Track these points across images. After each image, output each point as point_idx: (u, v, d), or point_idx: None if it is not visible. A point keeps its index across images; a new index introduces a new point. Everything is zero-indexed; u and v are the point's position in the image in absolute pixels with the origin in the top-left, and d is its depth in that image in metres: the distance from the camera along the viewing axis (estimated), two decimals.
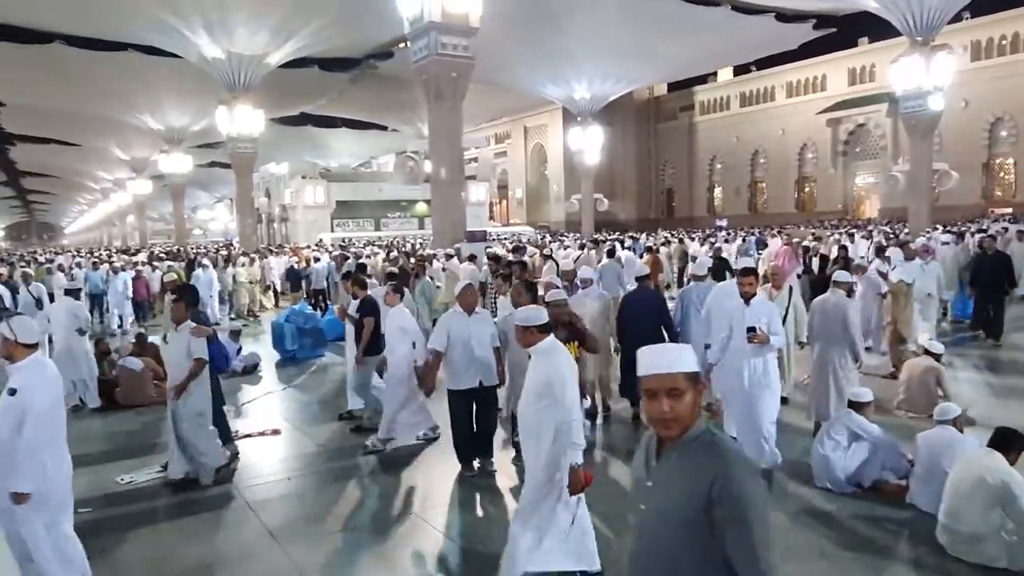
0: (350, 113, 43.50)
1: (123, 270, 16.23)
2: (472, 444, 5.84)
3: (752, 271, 5.73)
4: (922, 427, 5.43)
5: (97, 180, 62.68)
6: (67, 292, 9.14)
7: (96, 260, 19.52)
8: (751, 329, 5.29)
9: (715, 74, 52.99)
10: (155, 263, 19.27)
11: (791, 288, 7.61)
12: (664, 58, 32.87)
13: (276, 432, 7.55)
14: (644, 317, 6.74)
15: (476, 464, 5.88)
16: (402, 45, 28.82)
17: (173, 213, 45.11)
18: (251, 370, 10.38)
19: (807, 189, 51.07)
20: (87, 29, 26.69)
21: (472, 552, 4.64)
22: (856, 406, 5.27)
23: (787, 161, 51.04)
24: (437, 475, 6.01)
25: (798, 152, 50.42)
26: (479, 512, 5.34)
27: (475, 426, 5.81)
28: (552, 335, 4.00)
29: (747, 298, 5.50)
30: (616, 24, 28.02)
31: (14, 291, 12.89)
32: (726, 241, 21.17)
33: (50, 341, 9.01)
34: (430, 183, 20.93)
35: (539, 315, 3.98)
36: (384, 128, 46.36)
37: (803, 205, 50.73)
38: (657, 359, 1.85)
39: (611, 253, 13.30)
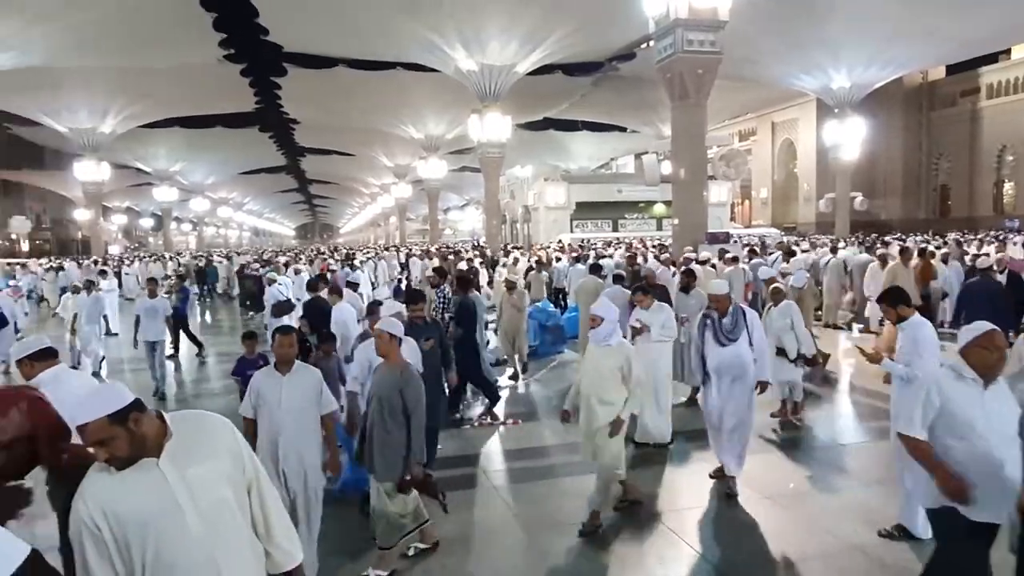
0: (591, 116, 44.27)
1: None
2: None
3: None
4: None
5: (367, 185, 70.48)
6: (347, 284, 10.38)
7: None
8: None
9: (1008, 52, 45.40)
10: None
11: None
12: (944, 36, 28.82)
13: (515, 422, 7.95)
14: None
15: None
16: (644, 46, 28.70)
17: (428, 214, 49.26)
18: (499, 363, 11.05)
19: None
20: (364, 53, 30.16)
21: (720, 565, 4.45)
22: None
23: None
24: (682, 476, 5.94)
25: None
26: (725, 518, 5.13)
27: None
28: None
29: None
30: (886, 1, 25.23)
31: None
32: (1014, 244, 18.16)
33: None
34: (671, 184, 20.53)
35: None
36: (624, 129, 46.50)
37: None
38: None
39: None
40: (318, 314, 8.05)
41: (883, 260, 13.25)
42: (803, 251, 18.68)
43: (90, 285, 12.52)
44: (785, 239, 28.43)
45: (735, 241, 20.49)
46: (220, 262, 30.35)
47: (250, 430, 4.17)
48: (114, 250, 55.48)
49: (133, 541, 2.07)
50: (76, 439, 2.14)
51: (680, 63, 18.56)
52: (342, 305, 8.16)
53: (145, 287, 11.43)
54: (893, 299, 4.75)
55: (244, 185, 73.18)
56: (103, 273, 21.02)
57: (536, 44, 27.24)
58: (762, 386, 5.74)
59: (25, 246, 71.66)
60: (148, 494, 2.09)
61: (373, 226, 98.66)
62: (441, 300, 8.96)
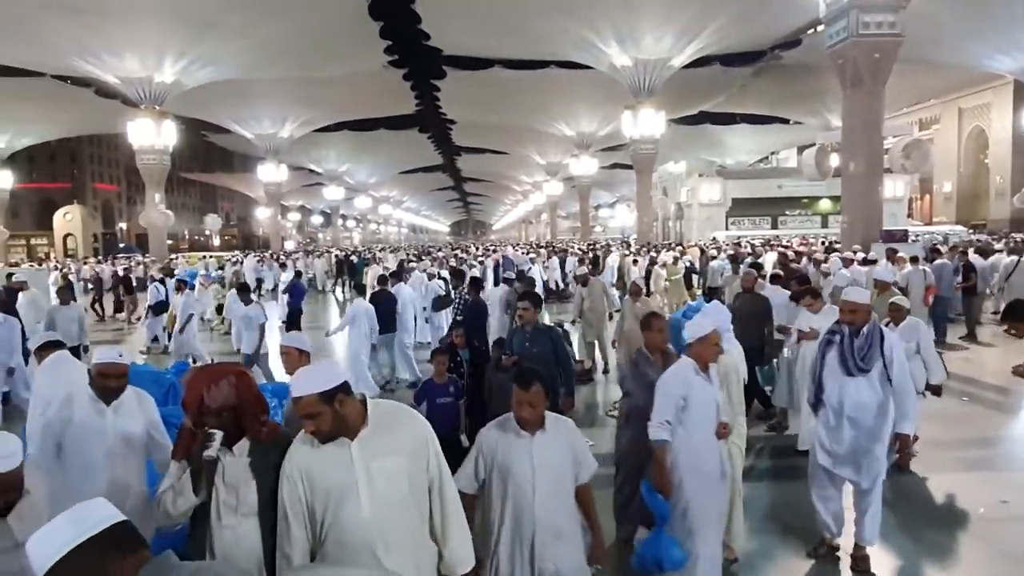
0: (750, 108, 42.24)
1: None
2: None
3: None
4: None
5: (519, 183, 71.76)
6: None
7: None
8: None
9: None
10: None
11: None
12: None
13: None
14: None
15: None
16: (812, 31, 27.01)
17: (579, 211, 49.36)
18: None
19: None
20: (519, 53, 30.71)
21: None
22: None
23: None
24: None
25: None
26: None
27: None
28: None
29: None
30: None
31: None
32: None
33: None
34: (840, 178, 19.18)
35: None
36: (786, 121, 43.98)
37: None
38: None
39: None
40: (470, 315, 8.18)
41: None
42: (996, 251, 16.76)
43: (182, 285, 12.68)
44: (974, 237, 25.68)
45: (914, 240, 18.78)
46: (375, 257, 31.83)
47: (470, 508, 2.98)
48: (289, 245, 60.36)
49: (318, 506, 2.31)
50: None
51: (854, 48, 17.33)
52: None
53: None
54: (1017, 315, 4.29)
55: (403, 184, 76.98)
56: (283, 266, 22.91)
57: (693, 36, 26.41)
58: (902, 441, 4.41)
59: (216, 241, 79.76)
60: (336, 469, 2.30)
61: (524, 223, 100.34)
62: (459, 302, 8.93)
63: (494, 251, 29.21)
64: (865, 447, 4.25)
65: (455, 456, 2.98)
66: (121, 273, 22.49)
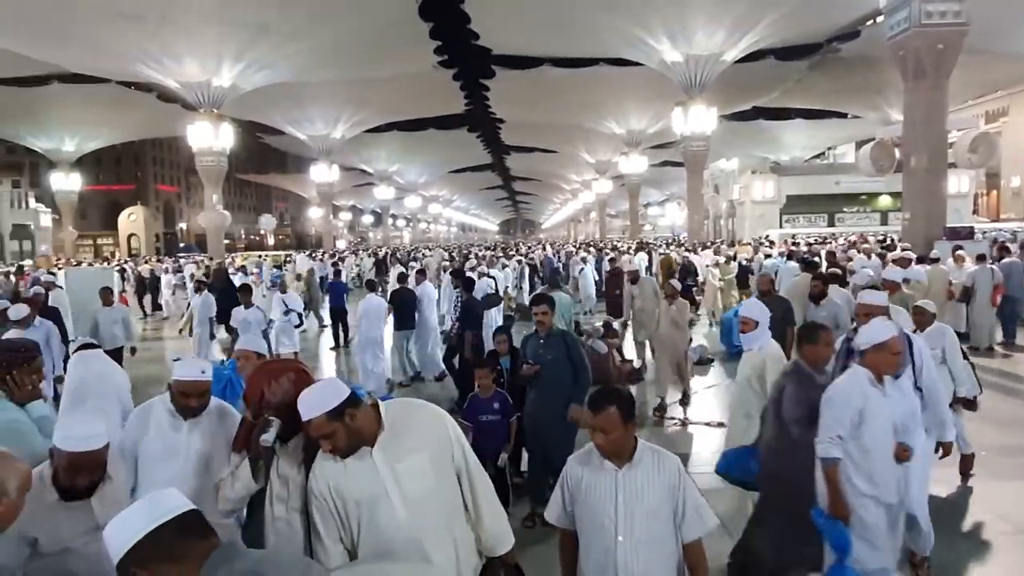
0: (805, 103, 41.20)
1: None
2: None
3: None
4: None
5: (568, 181, 71.55)
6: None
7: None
8: None
9: None
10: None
11: None
12: None
13: (721, 424, 7.65)
14: None
15: None
16: (871, 22, 26.19)
17: (628, 210, 48.94)
18: (706, 362, 10.70)
19: None
20: (569, 51, 30.59)
21: None
22: None
23: None
24: None
25: None
26: None
27: None
28: None
29: None
30: None
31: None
32: None
33: None
34: (901, 173, 18.54)
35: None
36: (844, 116, 42.76)
37: None
38: None
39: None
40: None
41: None
42: None
43: (200, 285, 12.93)
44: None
45: (981, 237, 18.03)
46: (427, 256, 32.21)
47: (568, 547, 2.78)
48: (340, 244, 61.47)
49: (351, 515, 2.33)
50: None
51: (916, 38, 16.74)
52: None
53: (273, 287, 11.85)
54: None
55: (452, 183, 77.56)
56: (336, 265, 23.32)
57: (746, 30, 25.88)
58: (945, 449, 4.25)
59: (270, 240, 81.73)
60: (362, 480, 2.31)
61: (573, 222, 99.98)
62: (458, 301, 9.30)
63: (518, 252, 28.82)
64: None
65: (495, 483, 2.78)
66: (147, 275, 23.16)
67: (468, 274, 11.73)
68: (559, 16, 25.96)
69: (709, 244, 27.31)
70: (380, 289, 11.28)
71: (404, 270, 14.27)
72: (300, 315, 10.92)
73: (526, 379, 5.13)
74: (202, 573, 1.56)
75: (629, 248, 27.82)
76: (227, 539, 1.75)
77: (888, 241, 21.11)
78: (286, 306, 10.63)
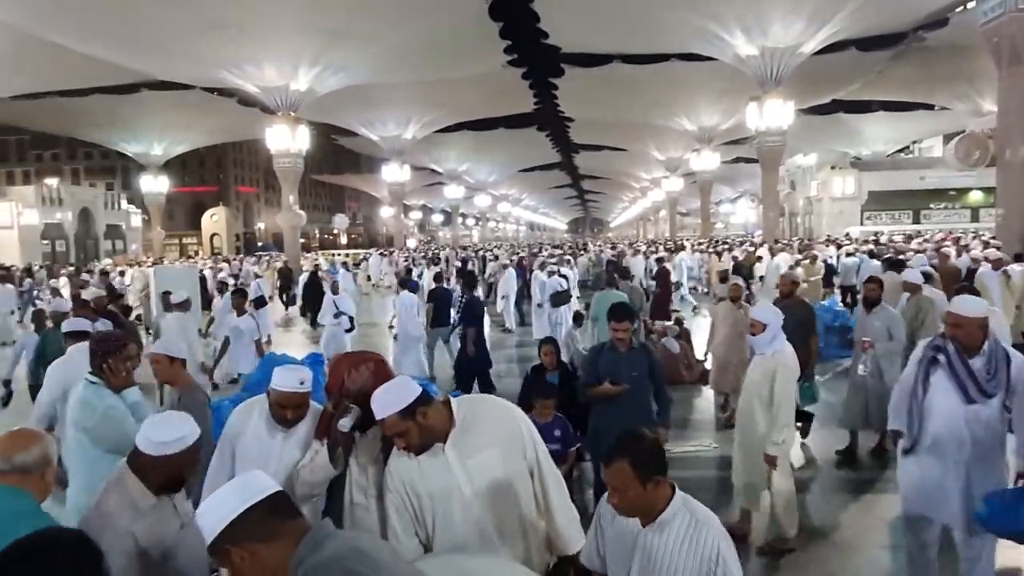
0: (888, 94, 39.41)
1: None
2: None
3: None
4: None
5: (637, 180, 70.69)
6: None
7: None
8: None
9: None
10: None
11: None
12: None
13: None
14: None
15: None
16: (961, 8, 24.89)
17: (700, 208, 48.00)
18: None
19: None
20: (638, 47, 30.19)
21: None
22: None
23: None
24: None
25: None
26: None
27: None
28: None
29: None
30: None
31: None
32: None
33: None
34: (995, 167, 17.56)
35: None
36: (930, 107, 40.68)
37: None
38: None
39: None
40: None
41: None
42: None
43: (223, 287, 12.82)
44: None
45: None
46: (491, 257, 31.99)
47: None
48: (411, 243, 62.51)
49: (426, 510, 2.39)
50: None
51: (1012, 24, 15.84)
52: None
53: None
54: None
55: (521, 182, 77.73)
56: (412, 265, 23.65)
57: (825, 20, 24.94)
58: None
59: (343, 239, 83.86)
60: (435, 476, 2.36)
61: (643, 220, 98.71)
62: (460, 301, 9.44)
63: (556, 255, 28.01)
64: (978, 486, 3.48)
65: None
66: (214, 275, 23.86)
67: (522, 271, 11.71)
68: (629, 12, 25.65)
69: (785, 243, 26.50)
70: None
71: (439, 270, 14.33)
72: (351, 318, 10.13)
73: (608, 399, 4.63)
74: (298, 551, 1.60)
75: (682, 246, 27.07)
76: (312, 521, 1.81)
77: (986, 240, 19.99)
78: (337, 308, 9.99)
